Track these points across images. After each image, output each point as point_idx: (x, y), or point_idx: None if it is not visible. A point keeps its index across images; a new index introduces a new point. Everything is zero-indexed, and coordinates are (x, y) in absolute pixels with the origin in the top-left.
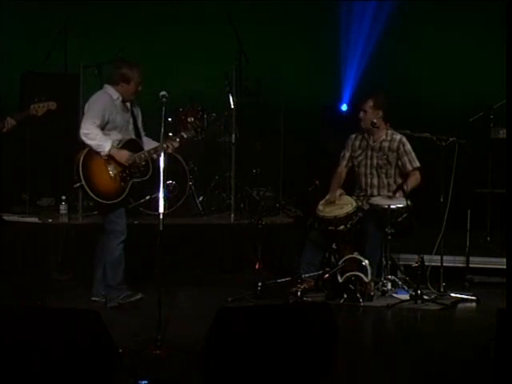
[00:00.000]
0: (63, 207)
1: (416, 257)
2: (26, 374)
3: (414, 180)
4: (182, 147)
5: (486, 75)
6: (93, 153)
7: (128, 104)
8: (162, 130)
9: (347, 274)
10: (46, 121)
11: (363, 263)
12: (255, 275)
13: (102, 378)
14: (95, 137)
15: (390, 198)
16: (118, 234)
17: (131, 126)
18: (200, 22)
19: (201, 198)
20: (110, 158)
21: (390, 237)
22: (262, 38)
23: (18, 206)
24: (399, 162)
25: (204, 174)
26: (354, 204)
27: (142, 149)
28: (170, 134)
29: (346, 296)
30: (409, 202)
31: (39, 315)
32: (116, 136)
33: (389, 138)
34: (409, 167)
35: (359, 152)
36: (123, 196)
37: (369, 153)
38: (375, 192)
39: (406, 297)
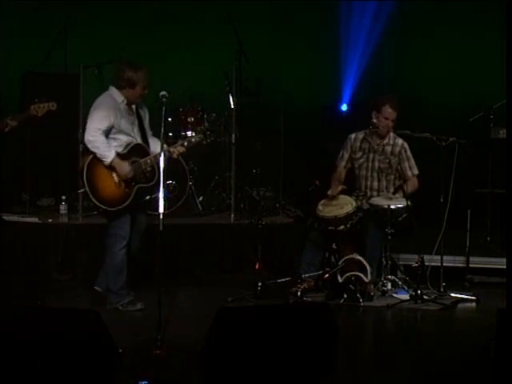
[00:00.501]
0: (63, 207)
1: (416, 257)
2: (27, 374)
3: (413, 185)
4: (188, 151)
5: (486, 75)
6: (97, 159)
7: (133, 106)
8: (162, 130)
9: (347, 274)
10: (46, 121)
11: (363, 263)
12: (255, 275)
13: (102, 378)
14: (99, 145)
15: (389, 198)
16: (120, 239)
17: (136, 129)
18: (200, 22)
19: (201, 198)
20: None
21: (389, 237)
22: (262, 38)
23: (18, 206)
24: (399, 167)
25: (204, 174)
26: (354, 204)
27: (147, 154)
28: (170, 134)
29: (345, 296)
30: (409, 202)
31: (39, 315)
32: (124, 139)
33: (391, 141)
34: (408, 173)
35: (360, 154)
36: (128, 202)
37: (370, 155)
38: (375, 195)
39: (406, 297)
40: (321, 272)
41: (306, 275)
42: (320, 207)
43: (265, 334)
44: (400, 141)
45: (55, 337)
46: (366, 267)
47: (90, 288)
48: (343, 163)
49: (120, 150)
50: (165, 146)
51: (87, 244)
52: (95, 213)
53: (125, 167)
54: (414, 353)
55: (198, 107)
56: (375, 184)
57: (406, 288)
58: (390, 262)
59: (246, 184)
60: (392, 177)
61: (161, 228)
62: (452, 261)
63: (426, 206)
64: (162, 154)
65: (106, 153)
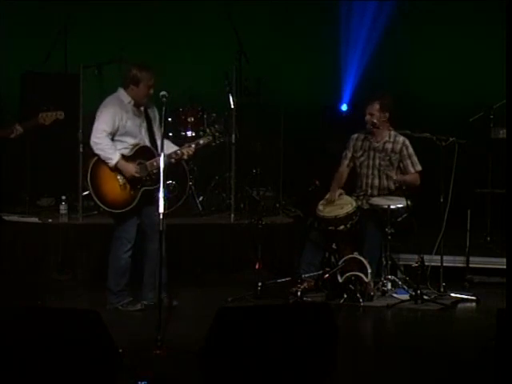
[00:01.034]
0: (63, 207)
1: (416, 257)
2: (27, 374)
3: (413, 178)
4: (196, 153)
5: (486, 75)
6: (102, 161)
7: (142, 108)
8: (162, 130)
9: (347, 274)
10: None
11: (363, 263)
12: (255, 275)
13: (102, 378)
14: (104, 148)
15: (389, 198)
16: (125, 242)
17: (144, 131)
18: (200, 22)
19: (201, 198)
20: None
21: (389, 237)
22: (262, 38)
23: (18, 206)
24: (401, 165)
25: (204, 174)
26: (354, 204)
27: (154, 156)
28: (170, 134)
29: (345, 296)
30: (409, 202)
31: (39, 315)
32: (130, 141)
33: (392, 139)
34: (411, 170)
35: (361, 152)
36: (133, 205)
37: (371, 154)
38: (375, 193)
39: (405, 297)
40: (321, 272)
41: (306, 275)
42: (320, 207)
43: (265, 334)
44: (401, 138)
45: (55, 337)
46: (366, 267)
47: (91, 288)
48: (346, 162)
49: (126, 152)
50: (175, 147)
51: (87, 244)
52: (95, 213)
53: (130, 168)
54: (414, 353)
55: (198, 107)
56: (376, 182)
57: (406, 288)
58: (390, 262)
59: (246, 184)
60: (394, 173)
61: (161, 228)
62: (452, 261)
63: (426, 205)
64: (173, 156)
65: (110, 155)
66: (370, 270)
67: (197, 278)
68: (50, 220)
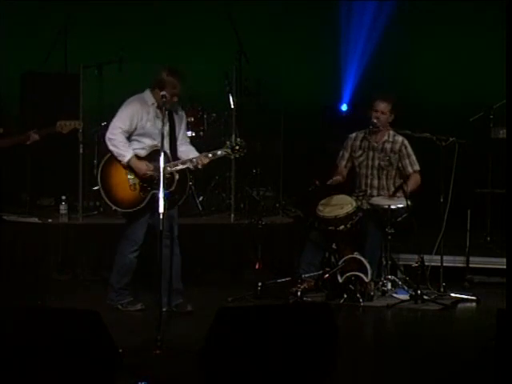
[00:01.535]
0: (63, 207)
1: (416, 257)
2: (27, 374)
3: (414, 182)
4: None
5: (486, 75)
6: (115, 158)
7: (166, 111)
8: (162, 129)
9: (347, 274)
10: (46, 121)
11: (363, 263)
12: (255, 275)
13: (102, 377)
14: (118, 144)
15: (389, 198)
16: (132, 242)
17: (165, 134)
18: (200, 22)
19: (201, 198)
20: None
21: (390, 237)
22: (262, 38)
23: (18, 206)
24: (400, 164)
25: (204, 174)
26: (354, 204)
27: (169, 160)
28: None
29: (345, 296)
30: (409, 202)
31: (39, 315)
32: (148, 142)
33: (391, 139)
34: (409, 170)
35: (360, 152)
36: (141, 206)
37: (370, 154)
38: (375, 193)
39: (406, 297)
40: (321, 272)
41: (306, 275)
42: (320, 207)
43: (265, 333)
44: (400, 138)
45: (55, 337)
46: (366, 267)
47: (91, 288)
48: (343, 162)
49: (142, 152)
50: (196, 154)
51: (87, 244)
52: (95, 213)
53: (142, 166)
54: (414, 353)
55: (198, 107)
56: (375, 182)
57: (405, 288)
58: (389, 262)
59: (246, 184)
60: (393, 173)
61: (161, 228)
62: (452, 261)
63: (426, 205)
64: (188, 163)
65: (123, 152)
66: (370, 270)
67: (197, 277)
68: (49, 220)
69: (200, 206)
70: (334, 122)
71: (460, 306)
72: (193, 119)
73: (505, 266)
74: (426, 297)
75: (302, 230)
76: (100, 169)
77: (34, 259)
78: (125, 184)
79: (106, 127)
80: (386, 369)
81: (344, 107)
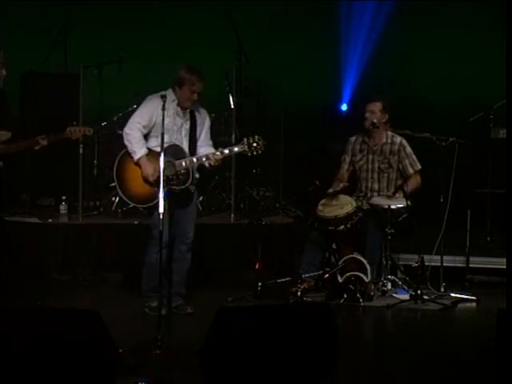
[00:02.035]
0: (63, 207)
1: (416, 257)
2: (27, 374)
3: (415, 183)
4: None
5: (486, 75)
6: (128, 153)
7: (188, 110)
8: (163, 130)
9: (347, 274)
10: (46, 121)
11: (363, 263)
12: (255, 275)
13: (102, 378)
14: (132, 140)
15: (389, 198)
16: (154, 243)
17: (185, 132)
18: (200, 22)
19: (201, 198)
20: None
21: (389, 237)
22: (262, 38)
23: (18, 206)
24: (400, 165)
25: (204, 174)
26: (354, 204)
27: (185, 156)
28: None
29: (346, 296)
30: (409, 202)
31: (39, 315)
32: (166, 139)
33: (389, 140)
34: (410, 170)
35: (360, 156)
36: (155, 202)
37: (370, 157)
38: (375, 196)
39: (406, 297)
40: (321, 272)
41: (306, 275)
42: (320, 207)
43: (265, 333)
44: (398, 139)
45: (55, 337)
46: (366, 267)
47: (91, 288)
48: (345, 166)
49: (159, 149)
50: (205, 151)
51: (87, 244)
52: (95, 213)
53: (148, 169)
54: (414, 353)
55: None
56: (375, 186)
57: (405, 288)
58: (389, 262)
59: (246, 184)
60: (394, 176)
61: (161, 228)
62: (452, 261)
63: (426, 205)
64: (202, 159)
65: (135, 149)
66: (369, 270)
67: (197, 277)
68: (50, 220)
69: (200, 206)
70: (334, 122)
71: (460, 306)
72: None
73: (505, 266)
74: (425, 297)
75: (302, 229)
76: (116, 165)
77: (33, 259)
78: (140, 179)
79: (106, 127)
80: (386, 369)
81: (344, 107)
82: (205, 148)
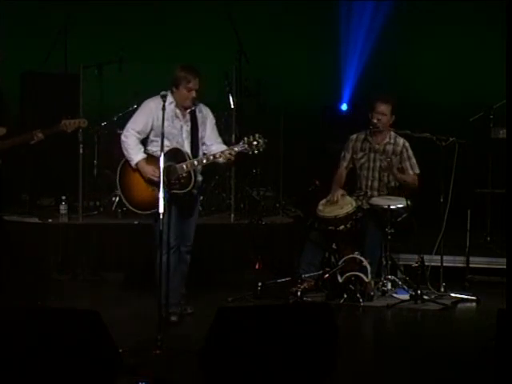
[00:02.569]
0: (63, 207)
1: (416, 257)
2: (27, 374)
3: (412, 180)
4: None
5: (486, 75)
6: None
7: (187, 110)
8: (163, 130)
9: (347, 274)
10: (46, 121)
11: (363, 263)
12: (255, 275)
13: (102, 378)
14: (127, 147)
15: (389, 198)
16: (163, 245)
17: (186, 134)
18: (200, 22)
19: (201, 198)
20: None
21: (389, 237)
22: (262, 38)
23: (18, 206)
24: (400, 166)
25: (204, 174)
26: (354, 204)
27: (185, 159)
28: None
29: (346, 296)
30: (409, 202)
31: (39, 315)
32: (166, 143)
33: (392, 140)
34: (410, 172)
35: (361, 154)
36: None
37: (372, 155)
38: (375, 194)
39: (406, 297)
40: (321, 272)
41: (306, 275)
42: (320, 207)
43: (265, 333)
44: (401, 140)
45: (55, 337)
46: (366, 267)
47: (91, 288)
48: (345, 164)
49: (159, 153)
50: (217, 149)
51: (87, 244)
52: (95, 213)
53: (148, 170)
54: (414, 353)
55: None
56: (376, 184)
57: (406, 288)
58: (389, 262)
59: (246, 184)
60: (395, 169)
61: (161, 228)
62: (452, 261)
63: (426, 205)
64: (204, 161)
65: (131, 155)
66: (369, 270)
67: (197, 278)
68: (50, 220)
69: (200, 206)
70: (334, 122)
71: (460, 305)
72: None
73: (505, 266)
74: (425, 297)
75: (302, 230)
76: (118, 172)
77: (33, 259)
78: (142, 185)
79: (106, 127)
80: (386, 369)
81: (344, 107)
82: (216, 146)
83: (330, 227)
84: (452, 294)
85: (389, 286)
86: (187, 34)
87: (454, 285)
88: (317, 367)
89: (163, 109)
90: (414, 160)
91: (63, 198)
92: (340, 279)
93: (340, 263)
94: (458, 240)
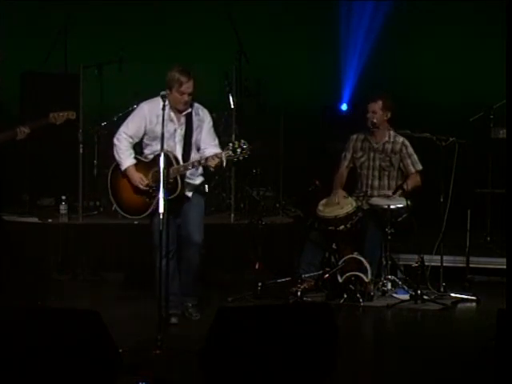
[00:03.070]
0: (63, 207)
1: (416, 257)
2: (27, 374)
3: (415, 182)
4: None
5: (486, 75)
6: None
7: (182, 114)
8: (163, 130)
9: (347, 274)
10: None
11: (363, 263)
12: (255, 275)
13: (102, 378)
14: (118, 151)
15: (389, 198)
16: (155, 249)
17: (179, 138)
18: (200, 22)
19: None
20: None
21: (389, 237)
22: (262, 38)
23: (18, 206)
24: (401, 164)
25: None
26: (354, 204)
27: (172, 164)
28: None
29: (346, 296)
30: (409, 202)
31: (39, 315)
32: (157, 146)
33: (391, 139)
34: (411, 169)
35: (361, 153)
36: (146, 213)
37: (371, 154)
38: (375, 194)
39: (406, 297)
40: (321, 272)
41: (306, 275)
42: (320, 207)
43: (265, 333)
44: (400, 138)
45: (55, 337)
46: (366, 267)
47: (91, 288)
48: (345, 163)
49: (151, 157)
50: (210, 153)
51: (87, 244)
52: (95, 213)
53: (135, 177)
54: (414, 353)
55: None
56: (376, 183)
57: (406, 288)
58: (390, 262)
59: (246, 184)
60: (394, 174)
61: (161, 227)
62: (452, 261)
63: (426, 205)
64: (187, 167)
65: (121, 160)
66: (369, 270)
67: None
68: (50, 220)
69: None
70: (334, 122)
71: (460, 305)
72: None
73: (505, 266)
74: (425, 297)
75: (302, 230)
76: (109, 176)
77: (33, 259)
78: (131, 190)
79: (106, 127)
80: (386, 369)
81: (344, 107)
82: (209, 150)
83: (330, 227)
84: (452, 294)
85: (389, 286)
86: (187, 33)
87: (454, 285)
88: (317, 367)
89: (163, 109)
90: (415, 156)
91: (63, 197)
92: (340, 279)
93: (340, 263)
94: (458, 240)
